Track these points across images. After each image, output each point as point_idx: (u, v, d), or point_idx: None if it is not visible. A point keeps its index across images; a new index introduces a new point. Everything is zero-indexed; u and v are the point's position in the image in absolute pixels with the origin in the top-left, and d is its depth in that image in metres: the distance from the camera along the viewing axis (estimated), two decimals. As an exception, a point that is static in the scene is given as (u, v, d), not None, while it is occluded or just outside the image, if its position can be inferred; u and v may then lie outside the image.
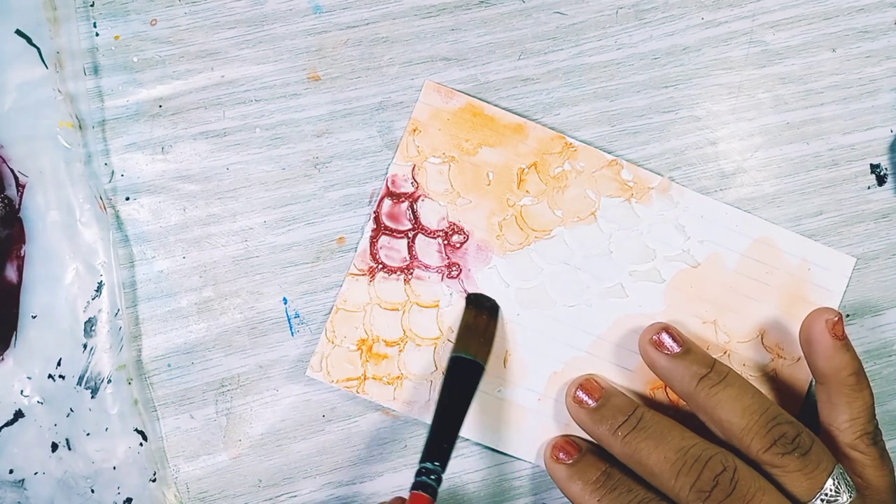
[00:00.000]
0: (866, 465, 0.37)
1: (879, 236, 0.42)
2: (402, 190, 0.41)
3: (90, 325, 0.40)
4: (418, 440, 0.41)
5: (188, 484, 0.41)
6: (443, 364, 0.40)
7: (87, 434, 0.40)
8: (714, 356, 0.39)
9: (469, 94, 0.42)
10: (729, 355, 0.41)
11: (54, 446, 0.40)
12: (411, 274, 0.41)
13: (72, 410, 0.40)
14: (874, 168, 0.43)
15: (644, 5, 0.43)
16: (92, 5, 0.42)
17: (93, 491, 0.39)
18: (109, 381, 0.40)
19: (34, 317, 0.40)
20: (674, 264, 0.41)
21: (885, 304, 0.42)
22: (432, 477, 0.35)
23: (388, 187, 0.41)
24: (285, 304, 0.41)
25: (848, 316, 0.42)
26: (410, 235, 0.41)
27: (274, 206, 0.41)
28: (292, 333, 0.41)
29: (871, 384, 0.38)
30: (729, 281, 0.41)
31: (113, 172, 0.41)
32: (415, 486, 0.34)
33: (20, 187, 0.40)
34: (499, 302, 0.41)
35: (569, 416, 0.40)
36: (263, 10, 0.42)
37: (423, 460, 0.35)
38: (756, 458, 0.36)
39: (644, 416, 0.38)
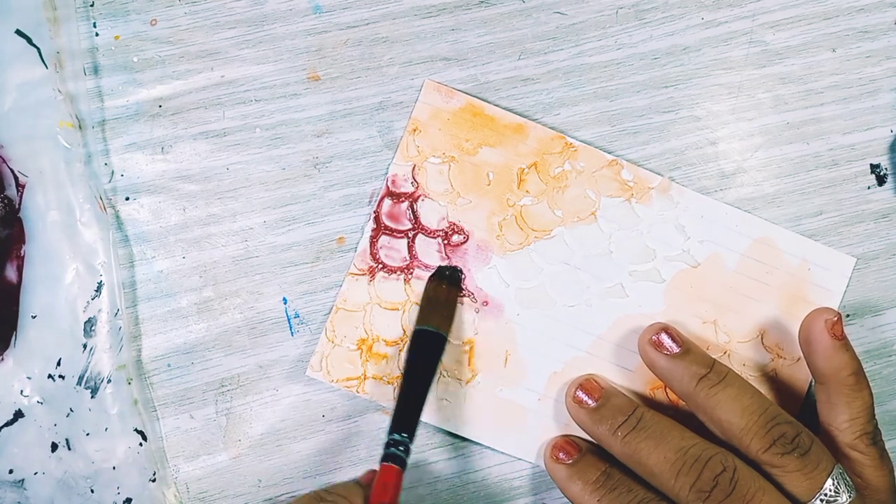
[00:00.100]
0: (866, 465, 0.37)
1: (879, 236, 0.42)
2: (402, 190, 0.41)
3: (90, 325, 0.40)
4: (418, 440, 0.41)
5: (188, 484, 0.41)
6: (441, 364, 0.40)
7: (87, 434, 0.40)
8: (714, 356, 0.39)
9: (469, 94, 0.42)
10: (729, 355, 0.41)
11: (54, 446, 0.40)
12: (411, 274, 0.41)
13: (71, 410, 0.40)
14: (874, 168, 0.43)
15: (644, 5, 0.43)
16: (92, 5, 0.42)
17: (92, 491, 0.39)
18: (109, 381, 0.40)
19: (34, 317, 0.40)
20: (674, 264, 0.41)
21: (885, 304, 0.42)
22: (401, 448, 0.35)
23: (388, 187, 0.41)
24: (285, 304, 0.41)
25: (848, 316, 0.42)
26: (410, 235, 0.41)
27: (274, 206, 0.41)
28: (292, 333, 0.41)
29: (871, 384, 0.38)
30: (729, 281, 0.41)
31: (113, 172, 0.41)
32: (384, 458, 0.35)
33: (20, 187, 0.40)
34: (499, 301, 0.41)
35: (569, 416, 0.40)
36: (263, 10, 0.42)
37: (390, 432, 0.36)
38: (756, 458, 0.36)
39: (644, 416, 0.38)
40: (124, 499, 0.40)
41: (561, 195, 0.41)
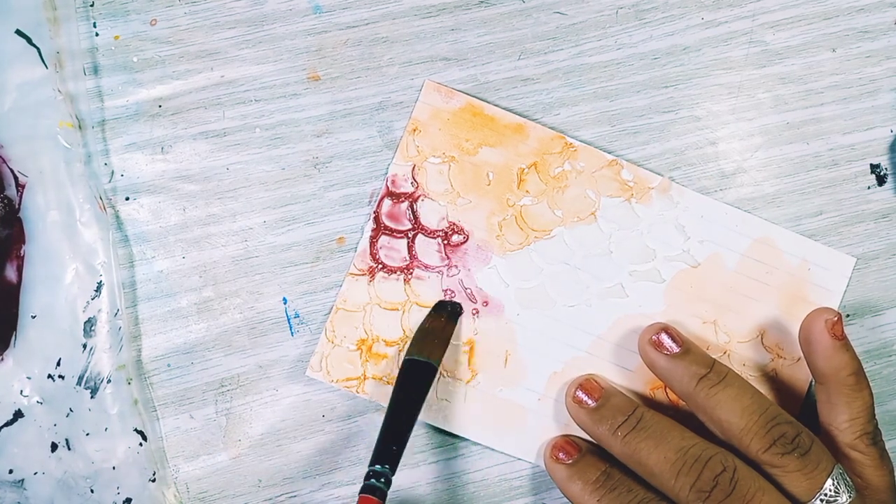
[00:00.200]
0: (866, 465, 0.37)
1: (879, 236, 0.42)
2: (402, 190, 0.41)
3: (90, 325, 0.40)
4: (418, 440, 0.41)
5: (188, 484, 0.41)
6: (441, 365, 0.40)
7: (87, 434, 0.40)
8: (714, 356, 0.39)
9: (469, 94, 0.42)
10: (729, 355, 0.41)
11: (54, 446, 0.40)
12: (411, 274, 0.41)
13: (71, 410, 0.40)
14: (874, 168, 0.43)
15: (644, 5, 0.43)
16: (92, 5, 0.42)
17: (92, 491, 0.39)
18: (109, 381, 0.40)
19: (34, 317, 0.40)
20: (674, 264, 0.41)
21: (885, 304, 0.42)
22: (381, 480, 0.34)
23: (388, 187, 0.41)
24: (285, 304, 0.41)
25: (848, 316, 0.42)
26: (410, 235, 0.41)
27: (274, 206, 0.41)
28: (292, 333, 0.41)
29: (871, 384, 0.38)
30: (729, 281, 0.41)
31: (113, 172, 0.41)
32: (363, 490, 0.34)
33: (20, 187, 0.40)
34: (499, 301, 0.41)
35: (569, 416, 0.40)
36: (263, 10, 0.42)
37: (372, 463, 0.35)
38: (755, 458, 0.36)
39: (644, 416, 0.38)
40: (124, 499, 0.40)
41: (561, 195, 0.41)
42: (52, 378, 0.40)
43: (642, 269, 0.41)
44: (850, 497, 0.35)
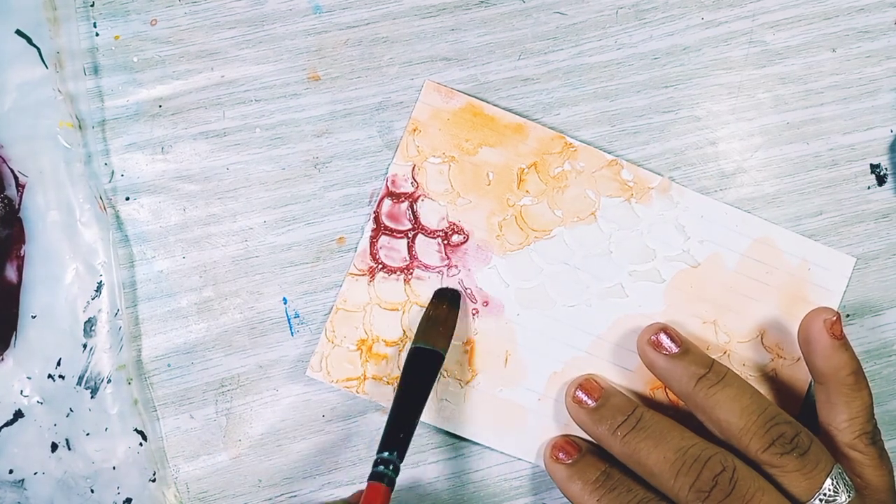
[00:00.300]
0: (865, 465, 0.37)
1: (879, 236, 0.42)
2: (402, 190, 0.41)
3: (90, 325, 0.40)
4: (418, 440, 0.41)
5: (188, 484, 0.41)
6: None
7: (87, 434, 0.40)
8: (714, 356, 0.39)
9: (469, 94, 0.42)
10: (729, 355, 0.41)
11: (54, 446, 0.40)
12: (411, 274, 0.41)
13: (71, 410, 0.40)
14: (874, 168, 0.43)
15: (644, 5, 0.43)
16: (92, 5, 0.42)
17: (92, 491, 0.40)
18: (109, 381, 0.40)
19: (34, 317, 0.40)
20: (674, 264, 0.41)
21: (885, 304, 0.42)
22: (389, 467, 0.35)
23: (388, 187, 0.41)
24: (285, 304, 0.41)
25: (848, 316, 0.42)
26: (410, 235, 0.41)
27: (274, 206, 0.42)
28: (292, 333, 0.41)
29: (871, 384, 0.38)
30: (729, 281, 0.41)
31: (113, 172, 0.41)
32: (372, 477, 0.34)
33: (20, 187, 0.40)
34: (499, 301, 0.41)
35: (569, 416, 0.40)
36: (263, 10, 0.42)
37: (380, 450, 0.35)
38: (755, 458, 0.36)
39: (643, 415, 0.38)
40: (124, 499, 0.40)
41: (561, 195, 0.41)
42: (53, 378, 0.40)
43: (642, 269, 0.41)
44: (849, 497, 0.35)
